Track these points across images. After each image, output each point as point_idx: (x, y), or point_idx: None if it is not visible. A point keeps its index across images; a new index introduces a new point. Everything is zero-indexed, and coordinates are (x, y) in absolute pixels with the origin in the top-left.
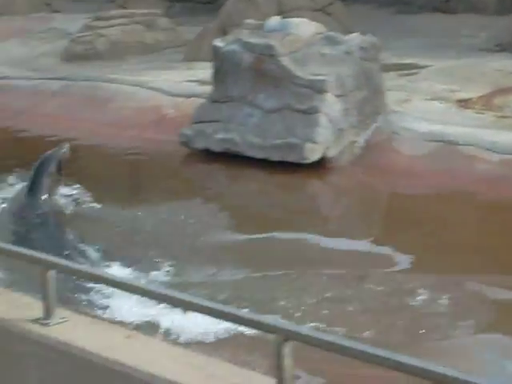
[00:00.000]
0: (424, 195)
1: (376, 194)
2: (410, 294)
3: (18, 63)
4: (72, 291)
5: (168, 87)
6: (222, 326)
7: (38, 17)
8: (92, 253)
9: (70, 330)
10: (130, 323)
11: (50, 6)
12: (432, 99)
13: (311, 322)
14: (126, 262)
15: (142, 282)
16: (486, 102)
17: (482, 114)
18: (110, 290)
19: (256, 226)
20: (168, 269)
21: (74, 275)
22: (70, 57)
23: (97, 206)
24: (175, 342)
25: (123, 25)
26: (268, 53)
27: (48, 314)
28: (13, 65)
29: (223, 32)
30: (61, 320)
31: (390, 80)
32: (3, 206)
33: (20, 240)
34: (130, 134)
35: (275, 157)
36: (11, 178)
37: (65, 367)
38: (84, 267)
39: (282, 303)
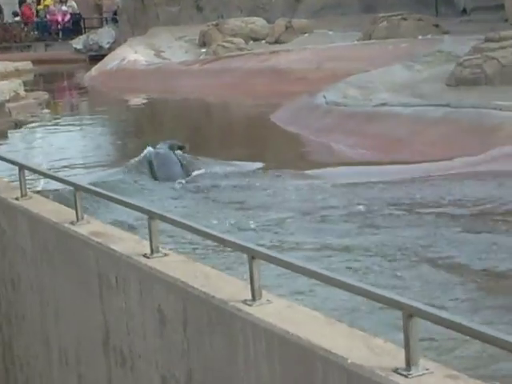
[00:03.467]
0: None
1: None
2: None
3: (400, 89)
4: None
5: None
6: None
7: (425, 39)
8: None
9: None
10: None
11: (438, 27)
12: None
13: None
14: None
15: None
16: None
17: None
18: None
19: None
20: None
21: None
22: (456, 81)
23: None
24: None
25: None
26: None
27: None
28: (395, 91)
29: None
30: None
31: None
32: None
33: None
34: None
35: None
36: None
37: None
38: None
39: None
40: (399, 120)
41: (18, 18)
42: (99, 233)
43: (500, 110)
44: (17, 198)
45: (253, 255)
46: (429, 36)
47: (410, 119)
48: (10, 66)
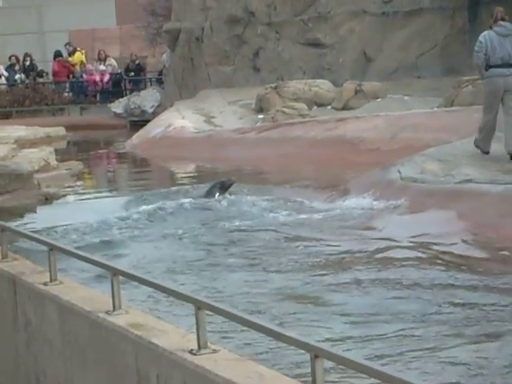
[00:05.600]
0: None
1: None
2: None
3: (487, 163)
4: None
5: None
6: None
7: None
8: None
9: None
10: None
11: None
12: None
13: None
14: None
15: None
16: None
17: None
18: None
19: None
20: None
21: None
22: None
23: None
24: None
25: None
26: None
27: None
28: (481, 165)
29: None
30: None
31: None
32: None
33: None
34: None
35: None
36: None
37: None
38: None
39: None
40: (487, 200)
41: (46, 78)
42: (139, 324)
43: None
44: (45, 283)
45: (316, 353)
46: None
47: (500, 199)
48: (40, 131)
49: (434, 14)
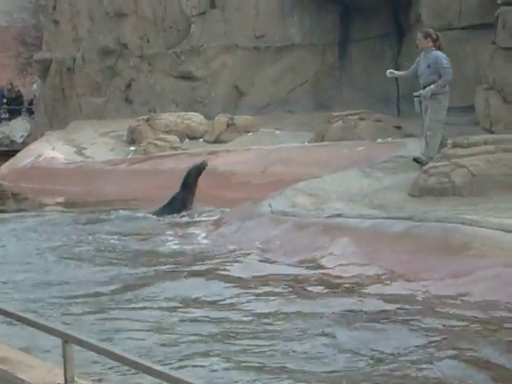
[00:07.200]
0: None
1: None
2: None
3: (356, 198)
4: None
5: None
6: None
7: (384, 143)
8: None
9: None
10: None
11: (400, 129)
12: None
13: None
14: None
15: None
16: None
17: None
18: None
19: None
20: None
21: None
22: (420, 191)
23: None
24: None
25: (488, 153)
26: None
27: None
28: (351, 200)
29: None
30: None
31: None
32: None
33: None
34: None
35: None
36: None
37: None
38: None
39: None
40: (358, 234)
41: None
42: (5, 359)
43: (469, 225)
44: None
45: (66, 339)
46: (389, 139)
47: (369, 233)
48: None
49: (305, 50)
